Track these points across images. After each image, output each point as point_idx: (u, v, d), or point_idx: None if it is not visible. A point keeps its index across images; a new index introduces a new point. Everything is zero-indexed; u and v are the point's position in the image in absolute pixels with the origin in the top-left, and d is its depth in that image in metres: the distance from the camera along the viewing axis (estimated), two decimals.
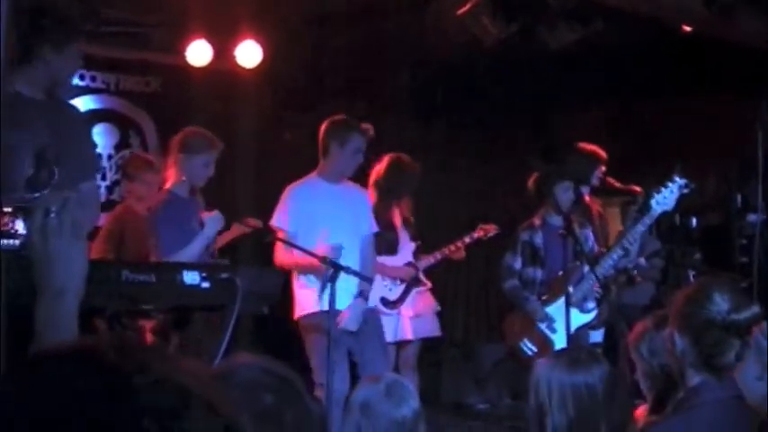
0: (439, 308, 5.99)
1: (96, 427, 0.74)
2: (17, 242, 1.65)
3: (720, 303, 2.27)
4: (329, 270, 4.47)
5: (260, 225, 5.20)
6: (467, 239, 6.07)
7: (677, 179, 5.01)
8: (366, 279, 4.64)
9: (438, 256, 5.94)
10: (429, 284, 5.94)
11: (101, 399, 0.75)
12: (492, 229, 6.15)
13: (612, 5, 5.92)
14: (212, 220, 4.41)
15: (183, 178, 4.47)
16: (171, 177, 4.51)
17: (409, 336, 5.65)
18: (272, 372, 1.54)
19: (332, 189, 4.98)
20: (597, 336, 5.48)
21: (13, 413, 0.75)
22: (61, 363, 0.80)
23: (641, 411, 2.79)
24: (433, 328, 5.91)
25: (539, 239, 5.53)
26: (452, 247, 6.00)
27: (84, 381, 0.76)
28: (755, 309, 2.31)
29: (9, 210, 1.67)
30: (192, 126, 4.81)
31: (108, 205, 5.93)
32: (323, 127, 4.97)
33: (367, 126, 4.97)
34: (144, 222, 5.26)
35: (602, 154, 5.67)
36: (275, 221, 4.96)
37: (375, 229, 5.14)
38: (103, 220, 5.18)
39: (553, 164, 5.60)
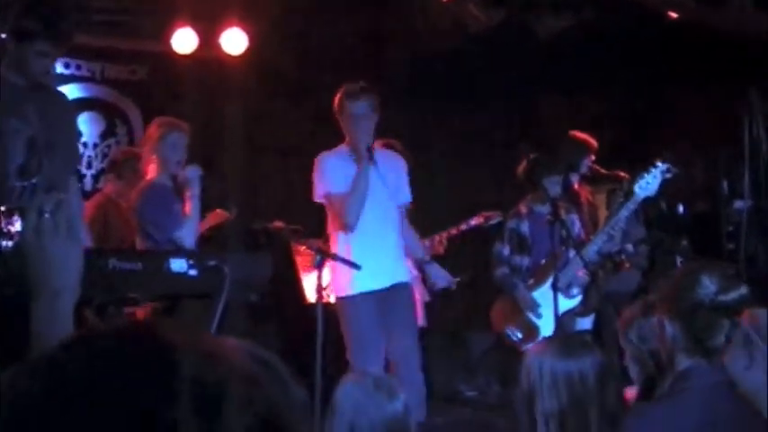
0: (429, 298, 5.92)
1: (154, 393, 0.79)
2: (10, 243, 1.66)
3: (708, 286, 2.28)
4: (317, 257, 4.47)
5: (231, 216, 5.18)
6: (463, 226, 5.88)
7: (659, 164, 5.06)
8: (355, 266, 4.58)
9: (427, 243, 5.76)
10: (415, 273, 5.85)
11: (155, 367, 0.81)
12: (494, 216, 5.88)
13: None
14: (190, 173, 4.46)
15: (159, 167, 4.53)
16: (150, 171, 4.58)
17: None
18: (255, 356, 1.54)
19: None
20: (586, 323, 5.49)
21: (77, 386, 0.79)
22: (115, 339, 0.85)
23: (629, 395, 2.79)
24: (420, 318, 5.84)
25: (525, 228, 5.54)
26: (445, 234, 5.83)
27: (137, 352, 0.82)
28: (743, 290, 2.31)
29: (3, 209, 1.67)
30: (178, 114, 4.81)
31: (93, 195, 5.89)
32: None
33: (358, 86, 4.71)
34: (126, 211, 5.26)
35: (593, 143, 5.67)
36: (320, 192, 4.76)
37: (410, 197, 4.98)
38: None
39: (543, 154, 5.56)
